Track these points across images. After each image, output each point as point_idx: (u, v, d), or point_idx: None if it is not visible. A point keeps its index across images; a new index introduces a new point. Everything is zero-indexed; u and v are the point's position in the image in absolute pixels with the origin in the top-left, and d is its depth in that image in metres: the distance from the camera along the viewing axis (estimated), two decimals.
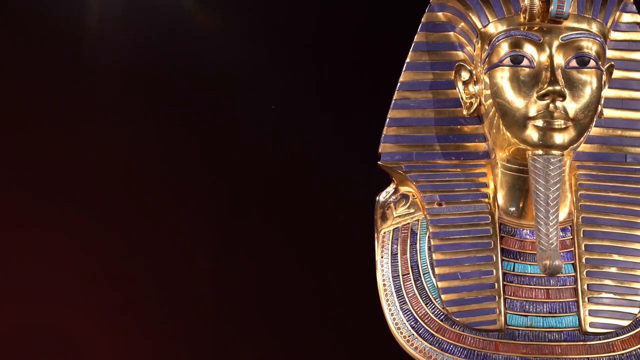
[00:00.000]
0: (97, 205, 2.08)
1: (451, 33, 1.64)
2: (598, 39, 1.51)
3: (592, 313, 1.52)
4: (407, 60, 1.66)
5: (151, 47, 2.11)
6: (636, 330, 1.53)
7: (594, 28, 1.52)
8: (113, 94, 2.10)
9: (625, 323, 1.52)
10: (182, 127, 2.12)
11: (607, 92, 1.60)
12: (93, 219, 2.08)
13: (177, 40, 2.12)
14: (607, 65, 1.57)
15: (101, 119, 2.09)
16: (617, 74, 1.61)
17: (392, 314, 1.58)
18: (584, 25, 1.52)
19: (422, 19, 1.65)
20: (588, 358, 1.52)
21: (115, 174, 2.09)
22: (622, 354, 1.52)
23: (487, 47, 1.55)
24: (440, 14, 1.64)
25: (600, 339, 1.52)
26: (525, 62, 1.51)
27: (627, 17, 1.62)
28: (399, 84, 1.66)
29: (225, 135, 2.11)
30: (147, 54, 2.11)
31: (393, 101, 1.66)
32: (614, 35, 1.61)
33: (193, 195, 2.11)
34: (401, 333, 1.57)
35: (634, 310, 1.53)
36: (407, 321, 1.57)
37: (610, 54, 1.60)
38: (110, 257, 2.08)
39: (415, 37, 1.65)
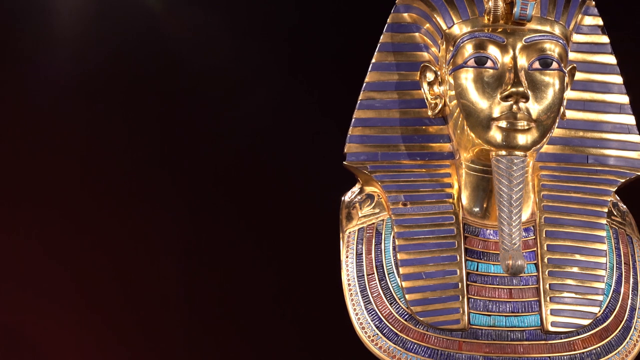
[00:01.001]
0: (58, 204, 2.06)
1: (416, 34, 1.65)
2: (560, 41, 1.53)
3: (553, 312, 1.53)
4: (373, 60, 1.66)
5: (115, 47, 2.10)
6: (596, 329, 1.55)
7: (557, 30, 1.54)
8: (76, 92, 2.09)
9: (586, 322, 1.53)
10: (148, 124, 2.11)
11: (569, 94, 1.61)
12: (56, 218, 2.06)
13: (145, 39, 2.11)
14: (570, 67, 1.58)
15: (63, 115, 2.08)
16: (579, 76, 1.62)
17: (356, 314, 1.58)
18: (547, 28, 1.53)
19: (388, 20, 1.66)
20: (549, 357, 1.53)
21: (77, 173, 2.08)
22: (583, 352, 1.54)
23: (451, 49, 1.56)
24: (405, 14, 1.65)
25: (561, 338, 1.53)
26: (489, 63, 1.52)
27: (589, 20, 1.64)
28: (364, 84, 1.66)
29: (193, 133, 2.11)
30: (104, 55, 2.10)
31: (358, 101, 1.66)
32: (576, 37, 1.63)
33: (159, 194, 2.10)
34: (366, 333, 1.57)
35: (595, 310, 1.54)
36: (372, 321, 1.57)
37: (572, 56, 1.61)
38: (74, 256, 2.07)
39: (381, 37, 1.66)
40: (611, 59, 1.65)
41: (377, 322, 1.57)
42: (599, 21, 1.64)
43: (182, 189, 2.10)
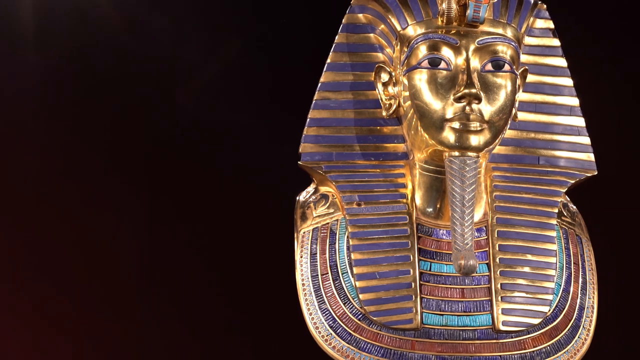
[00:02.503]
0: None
1: (371, 35, 1.66)
2: (512, 43, 1.54)
3: (504, 312, 1.55)
4: (328, 60, 1.66)
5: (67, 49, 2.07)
6: (546, 328, 1.57)
7: (509, 33, 1.55)
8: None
9: (536, 321, 1.55)
10: (93, 122, 2.08)
11: (521, 96, 1.63)
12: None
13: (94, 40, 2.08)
14: (522, 69, 1.60)
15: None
16: (530, 78, 1.64)
17: (310, 314, 1.58)
18: (499, 30, 1.55)
19: (343, 20, 1.66)
20: (500, 356, 1.55)
21: (30, 173, 2.05)
22: (533, 351, 1.56)
23: (405, 50, 1.57)
24: (360, 15, 1.66)
25: (512, 337, 1.55)
26: (442, 64, 1.53)
27: (540, 23, 1.66)
28: (319, 84, 1.66)
29: (143, 132, 2.09)
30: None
31: (314, 101, 1.66)
32: (528, 40, 1.65)
33: (112, 196, 2.08)
34: (319, 332, 1.57)
35: (545, 309, 1.56)
36: (326, 321, 1.57)
37: (524, 58, 1.63)
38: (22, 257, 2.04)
39: (336, 38, 1.66)
40: (562, 62, 1.67)
41: (330, 322, 1.57)
42: (550, 24, 1.66)
43: (133, 191, 2.08)
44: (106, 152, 2.07)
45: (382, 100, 1.64)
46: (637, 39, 2.12)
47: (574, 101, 1.67)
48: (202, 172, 2.09)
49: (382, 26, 1.63)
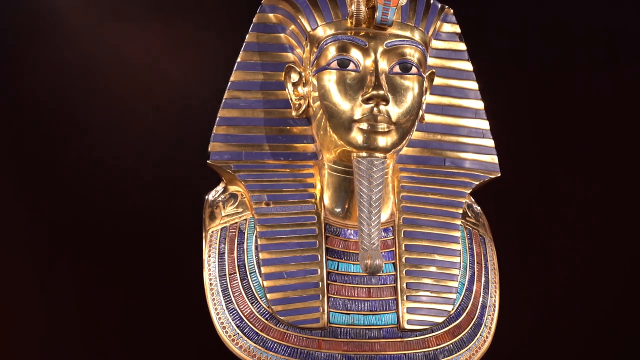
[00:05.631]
0: None
1: (282, 34, 1.66)
2: (420, 46, 1.56)
3: (409, 311, 1.57)
4: (238, 59, 1.66)
5: None
6: (450, 327, 1.60)
7: (417, 36, 1.58)
8: None
9: (440, 320, 1.58)
10: None
11: (428, 98, 1.65)
12: None
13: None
14: (429, 72, 1.63)
15: None
16: (437, 81, 1.67)
17: (217, 313, 1.58)
18: (407, 33, 1.57)
19: (254, 19, 1.66)
20: (405, 354, 1.57)
21: None
22: (436, 349, 1.58)
23: (315, 50, 1.57)
24: (271, 15, 1.66)
25: (416, 336, 1.57)
26: (351, 66, 1.54)
27: (447, 27, 1.69)
28: (229, 83, 1.66)
29: (39, 130, 2.04)
30: None
31: (223, 100, 1.65)
32: (435, 44, 1.68)
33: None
34: (226, 332, 1.57)
35: (448, 308, 1.59)
36: (233, 320, 1.57)
37: (431, 61, 1.66)
38: None
39: (247, 37, 1.66)
40: (468, 66, 1.70)
41: (238, 322, 1.57)
42: (457, 29, 1.70)
43: (25, 191, 2.03)
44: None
45: (292, 101, 1.64)
46: (542, 44, 2.18)
47: (479, 104, 1.71)
48: (111, 169, 2.06)
49: (293, 26, 1.63)
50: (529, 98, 2.16)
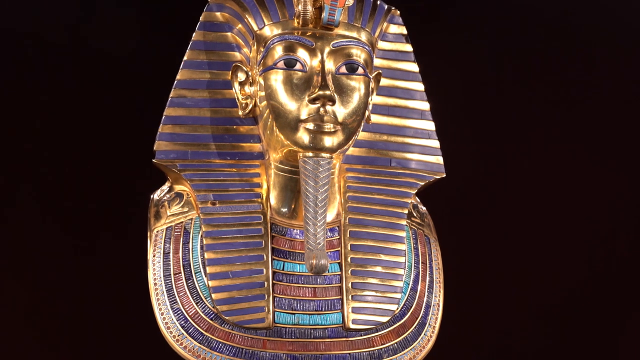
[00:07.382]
0: None
1: (229, 33, 1.65)
2: (366, 47, 1.57)
3: (355, 310, 1.58)
4: (185, 58, 1.65)
5: None
6: (394, 326, 1.61)
7: (363, 37, 1.58)
8: None
9: (385, 319, 1.59)
10: None
11: (375, 99, 1.67)
12: None
13: None
14: (375, 73, 1.64)
15: None
16: (384, 82, 1.68)
17: (162, 314, 1.56)
18: (354, 34, 1.57)
19: (200, 18, 1.65)
20: (350, 353, 1.58)
21: None
22: (381, 348, 1.59)
23: (262, 50, 1.57)
24: (218, 14, 1.65)
25: (361, 335, 1.58)
26: (298, 66, 1.55)
27: (394, 29, 1.70)
28: (175, 81, 1.65)
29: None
30: None
31: (169, 99, 1.64)
32: (382, 45, 1.69)
33: None
34: (171, 332, 1.56)
35: (393, 307, 1.60)
36: (177, 320, 1.56)
37: (378, 62, 1.67)
38: None
39: (193, 35, 1.65)
40: (414, 67, 1.72)
41: (182, 322, 1.56)
42: (403, 30, 1.71)
43: None
44: None
45: (238, 100, 1.63)
46: (487, 45, 2.21)
47: (425, 105, 1.72)
48: (56, 167, 2.03)
49: (240, 25, 1.63)
50: (477, 98, 2.18)
